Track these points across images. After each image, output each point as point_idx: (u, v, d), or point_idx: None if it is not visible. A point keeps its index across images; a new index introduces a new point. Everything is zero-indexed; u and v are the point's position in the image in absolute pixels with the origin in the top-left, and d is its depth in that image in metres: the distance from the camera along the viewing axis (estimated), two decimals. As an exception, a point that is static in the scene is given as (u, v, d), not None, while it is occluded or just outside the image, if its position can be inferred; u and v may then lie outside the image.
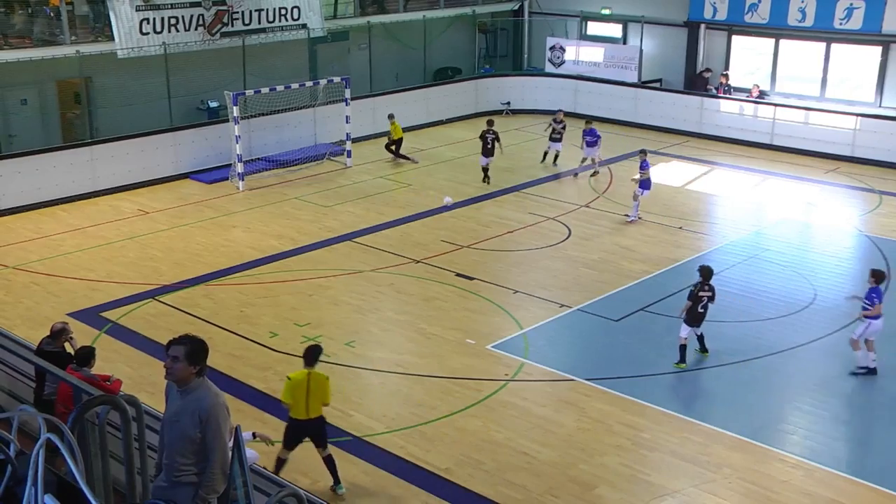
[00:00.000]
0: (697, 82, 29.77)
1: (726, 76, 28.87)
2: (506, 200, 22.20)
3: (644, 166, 20.46)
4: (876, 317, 13.47)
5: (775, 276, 17.73)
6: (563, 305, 16.14)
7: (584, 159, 23.82)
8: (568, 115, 30.28)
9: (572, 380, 13.59)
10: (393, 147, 25.35)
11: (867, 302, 13.55)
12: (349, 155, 25.05)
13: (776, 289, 17.08)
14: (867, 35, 26.64)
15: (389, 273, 17.62)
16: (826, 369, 14.05)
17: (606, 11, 32.25)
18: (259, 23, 25.38)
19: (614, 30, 32.64)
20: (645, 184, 20.51)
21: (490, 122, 23.86)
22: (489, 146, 23.17)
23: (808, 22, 27.32)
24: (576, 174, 23.99)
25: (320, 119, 25.81)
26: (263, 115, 24.52)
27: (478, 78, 31.80)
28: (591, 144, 23.46)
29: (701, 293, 13.85)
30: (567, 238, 19.51)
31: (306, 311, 15.92)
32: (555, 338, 15.17)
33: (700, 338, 14.24)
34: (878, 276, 13.69)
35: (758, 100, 28.13)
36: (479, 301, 16.38)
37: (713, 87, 29.46)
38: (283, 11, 25.83)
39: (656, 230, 20.01)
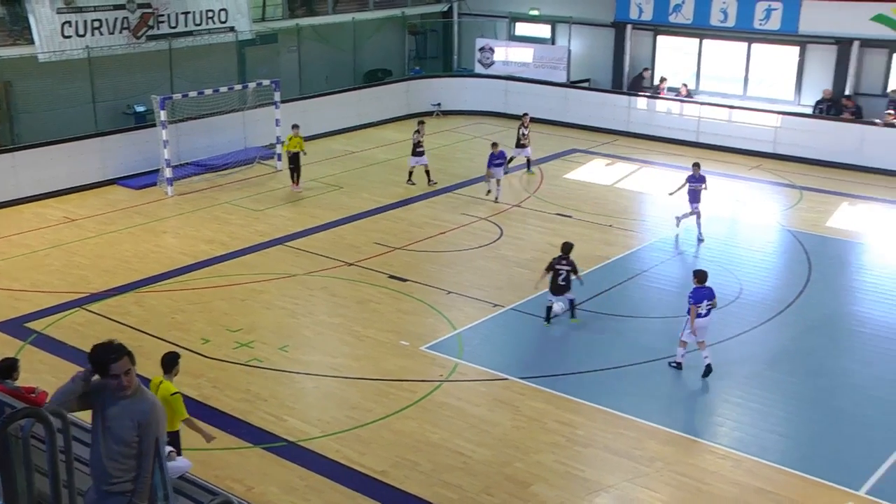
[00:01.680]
0: (636, 83, 30.20)
1: (664, 80, 29.24)
2: (438, 201, 22.26)
3: (692, 180, 19.53)
4: (698, 315, 13.53)
5: (703, 272, 18.05)
6: (496, 305, 16.25)
7: (491, 179, 22.08)
8: (499, 115, 30.67)
9: (506, 379, 13.69)
10: (291, 166, 22.87)
11: (689, 301, 13.59)
12: (280, 158, 24.87)
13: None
14: (785, 35, 27.35)
15: (322, 276, 17.54)
16: (753, 362, 14.38)
17: (535, 12, 32.55)
18: (186, 26, 25.06)
19: (543, 30, 32.96)
20: (693, 196, 19.50)
21: (420, 123, 23.86)
22: (420, 148, 23.18)
23: (730, 22, 27.94)
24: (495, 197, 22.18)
25: (250, 122, 25.56)
26: (192, 119, 24.21)
27: (408, 79, 31.82)
28: (498, 166, 21.94)
29: (558, 266, 15.22)
30: (499, 238, 19.65)
31: (239, 317, 15.77)
32: (488, 337, 15.27)
33: (571, 304, 15.50)
34: (699, 276, 13.78)
35: (684, 99, 28.66)
36: (413, 302, 16.40)
37: (647, 87, 29.94)
38: (210, 14, 25.55)
39: (587, 228, 20.26)
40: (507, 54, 31.77)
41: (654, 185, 23.92)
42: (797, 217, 21.46)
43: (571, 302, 15.52)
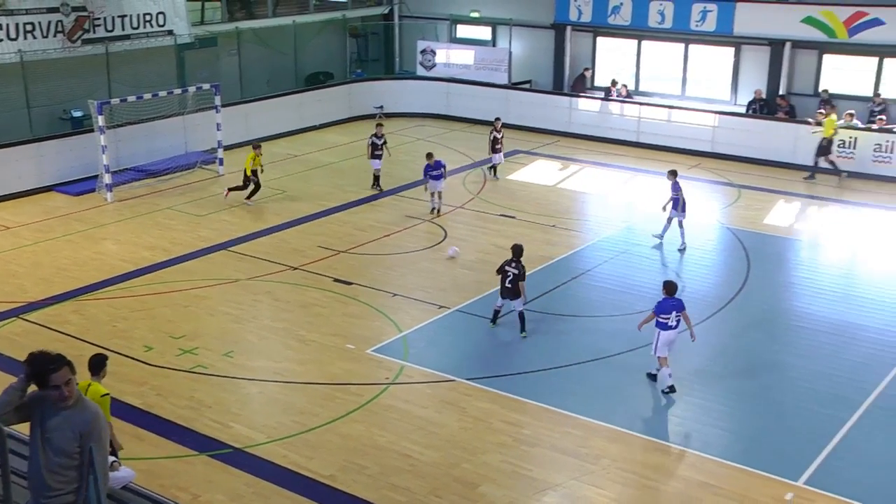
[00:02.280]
0: (578, 83, 30.49)
1: (616, 82, 29.47)
2: (382, 204, 22.24)
3: (675, 188, 19.35)
4: (664, 326, 13.20)
5: (646, 270, 18.34)
6: (441, 307, 16.28)
7: (431, 193, 21.34)
8: (440, 117, 30.74)
9: (453, 380, 13.73)
10: (248, 184, 21.97)
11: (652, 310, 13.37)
12: (221, 163, 24.62)
13: (647, 282, 17.64)
14: (721, 36, 27.86)
15: (266, 281, 17.42)
16: (695, 358, 14.59)
17: (475, 14, 32.70)
18: (123, 29, 24.70)
19: (484, 32, 33.12)
20: (676, 204, 19.31)
21: (379, 126, 23.66)
22: (379, 151, 23.02)
23: (667, 24, 28.38)
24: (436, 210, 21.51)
25: (190, 127, 25.27)
26: (131, 123, 23.84)
27: (350, 82, 31.74)
28: (435, 178, 21.06)
29: (507, 268, 15.02)
30: (443, 240, 19.69)
31: (182, 323, 15.58)
32: (434, 339, 15.30)
33: (520, 316, 15.15)
34: (667, 287, 13.42)
35: (624, 99, 29.01)
36: (358, 306, 16.36)
37: (588, 87, 30.25)
38: (147, 18, 25.21)
39: (531, 229, 20.39)
40: (449, 56, 31.86)
41: (595, 185, 24.19)
42: (736, 215, 21.86)
43: (521, 315, 15.07)
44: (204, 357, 14.35)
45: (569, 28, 30.68)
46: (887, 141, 24.33)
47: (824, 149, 24.37)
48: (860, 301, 17.04)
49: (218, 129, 24.43)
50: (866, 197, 22.99)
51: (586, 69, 30.64)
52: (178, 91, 24.58)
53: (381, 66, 34.78)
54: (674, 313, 13.23)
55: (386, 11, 34.24)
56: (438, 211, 21.27)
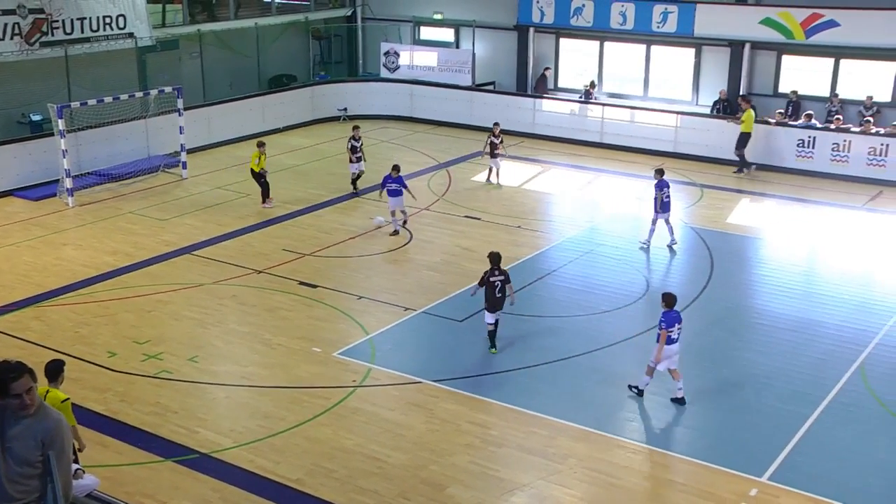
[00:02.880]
0: (539, 84, 30.64)
1: (592, 83, 29.60)
2: (347, 206, 22.20)
3: (660, 186, 19.16)
4: (669, 340, 12.88)
5: (610, 270, 18.48)
6: (407, 309, 16.29)
7: (392, 212, 20.07)
8: (404, 119, 30.74)
9: (420, 382, 13.74)
10: (262, 180, 22.00)
11: (659, 326, 12.97)
12: (184, 166, 24.44)
13: (612, 282, 17.79)
14: (682, 38, 28.14)
15: (231, 285, 17.32)
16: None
17: (438, 16, 32.74)
18: (82, 32, 24.42)
19: (447, 34, 33.18)
20: (664, 206, 19.18)
21: (356, 128, 23.47)
22: (358, 153, 22.88)
23: (629, 25, 28.62)
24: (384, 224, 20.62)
25: (153, 130, 25.06)
26: (92, 127, 23.60)
27: (313, 85, 31.63)
28: (394, 193, 19.73)
29: (492, 278, 14.37)
30: (409, 241, 19.69)
31: (146, 328, 15.45)
32: (400, 341, 15.30)
33: (495, 326, 14.66)
34: (667, 300, 13.08)
35: (587, 100, 29.19)
36: (324, 308, 16.32)
37: (549, 88, 30.40)
38: (107, 20, 24.95)
39: (496, 230, 20.45)
40: (412, 58, 31.88)
41: (560, 186, 24.31)
42: (699, 214, 22.07)
43: (496, 323, 14.64)
44: (169, 362, 14.25)
45: (532, 29, 30.82)
46: (844, 140, 24.70)
47: (742, 142, 25.04)
48: (820, 298, 17.29)
49: (180, 133, 24.25)
50: (825, 196, 23.32)
51: (546, 69, 30.80)
52: (139, 94, 24.37)
53: (344, 69, 34.71)
54: (677, 325, 12.93)
55: (349, 14, 34.18)
56: (396, 230, 19.99)
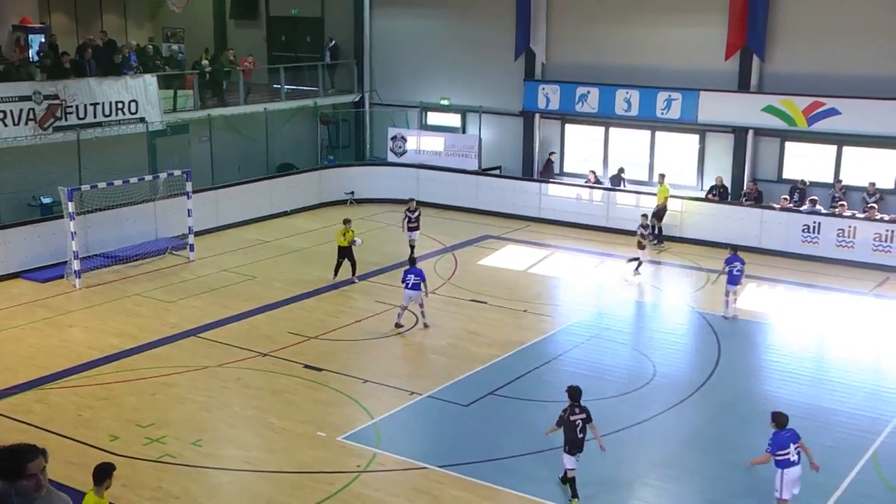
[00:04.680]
0: (546, 168, 30.94)
1: (622, 170, 29.97)
2: (353, 289, 22.20)
3: (729, 261, 20.43)
4: (787, 463, 11.90)
5: (617, 355, 18.37)
6: (413, 393, 16.15)
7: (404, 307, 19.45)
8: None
9: (425, 468, 13.54)
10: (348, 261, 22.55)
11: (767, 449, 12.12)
12: (192, 249, 24.56)
13: (618, 366, 17.68)
14: (686, 124, 28.47)
15: (236, 367, 17.22)
16: (669, 443, 14.55)
17: (445, 102, 33.24)
18: (94, 117, 24.81)
19: (453, 119, 33.63)
20: (732, 279, 20.30)
21: (411, 200, 25.11)
22: (413, 224, 24.18)
23: (634, 111, 28.97)
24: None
25: (161, 213, 25.26)
26: (101, 210, 23.79)
27: (321, 168, 31.97)
28: (411, 287, 19.20)
29: (573, 417, 12.60)
30: (415, 325, 19.63)
31: (149, 411, 15.31)
32: (406, 426, 15.14)
33: (567, 477, 12.84)
34: (777, 419, 12.16)
35: (593, 185, 29.43)
36: (329, 392, 16.20)
37: (556, 172, 30.70)
38: (119, 105, 25.36)
39: (502, 314, 20.40)
40: (419, 143, 32.27)
41: (566, 270, 24.33)
42: (705, 299, 22.01)
43: (571, 476, 12.78)
44: (171, 446, 14.08)
45: (537, 115, 31.24)
46: (850, 227, 24.78)
47: (658, 215, 26.45)
48: (830, 385, 17.12)
49: (189, 215, 24.44)
50: (831, 281, 23.28)
51: (552, 153, 31.14)
52: (149, 177, 24.63)
53: (351, 153, 35.12)
54: (792, 446, 11.90)
55: (357, 99, 34.73)
56: (425, 325, 19.36)
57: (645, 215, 24.35)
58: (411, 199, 25.76)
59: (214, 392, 16.15)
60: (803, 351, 19.08)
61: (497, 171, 31.96)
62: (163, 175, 24.63)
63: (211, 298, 21.33)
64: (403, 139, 32.36)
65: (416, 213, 25.11)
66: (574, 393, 12.81)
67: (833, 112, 25.91)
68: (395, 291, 21.75)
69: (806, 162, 27.61)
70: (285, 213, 29.78)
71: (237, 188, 28.47)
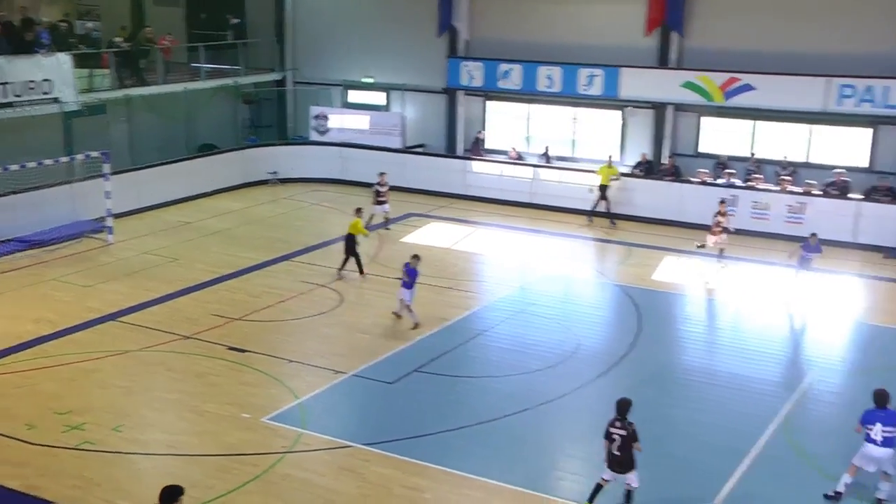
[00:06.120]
0: (474, 146, 31.05)
1: (515, 150, 30.12)
2: (276, 270, 22.05)
3: (807, 249, 20.54)
4: (868, 439, 11.99)
5: (541, 329, 18.61)
6: (338, 372, 16.15)
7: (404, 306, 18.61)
8: (336, 182, 30.84)
9: (351, 446, 13.57)
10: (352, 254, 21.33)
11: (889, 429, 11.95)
12: (111, 231, 24.07)
13: (543, 341, 17.91)
14: (608, 100, 28.82)
15: (159, 351, 16.99)
16: (591, 414, 14.78)
17: (369, 80, 33.07)
18: (6, 97, 24.03)
19: (378, 97, 33.47)
20: (804, 263, 20.55)
21: (382, 174, 25.56)
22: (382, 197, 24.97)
23: (556, 88, 29.21)
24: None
25: (79, 195, 24.66)
26: (14, 193, 23.14)
27: (243, 148, 31.56)
28: (406, 286, 18.39)
29: (611, 429, 11.90)
30: (340, 304, 19.60)
31: (69, 398, 15.02)
32: (332, 405, 15.14)
33: (628, 496, 12.13)
34: (877, 397, 12.16)
35: (518, 161, 29.65)
36: (254, 373, 16.10)
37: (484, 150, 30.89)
38: (31, 85, 24.62)
39: (427, 291, 20.42)
40: (343, 121, 32.08)
41: (491, 247, 24.51)
42: (626, 272, 22.42)
43: (629, 494, 12.09)
44: (92, 432, 13.85)
45: (461, 92, 31.29)
46: (764, 199, 25.45)
47: (601, 193, 26.77)
48: (745, 353, 17.61)
49: (107, 198, 23.92)
50: (746, 252, 23.87)
51: (479, 132, 31.24)
52: (64, 159, 24.02)
53: (274, 133, 34.74)
54: (879, 425, 11.89)
55: (279, 78, 34.33)
56: (416, 324, 18.31)
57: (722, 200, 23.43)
58: (382, 174, 25.74)
59: (137, 376, 15.92)
60: (719, 320, 19.60)
61: (421, 149, 31.98)
62: (79, 156, 24.04)
63: (131, 282, 20.97)
64: (325, 118, 32.14)
65: (386, 188, 25.31)
66: (621, 406, 12.02)
67: (748, 88, 26.51)
68: (319, 271, 21.71)
69: (723, 136, 28.22)
70: (274, 179, 29.78)
71: (157, 169, 27.94)
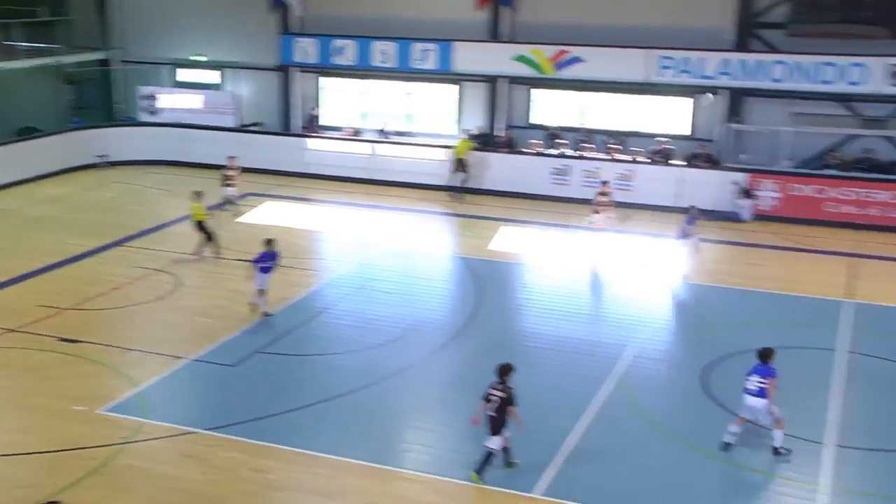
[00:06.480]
0: (310, 124, 30.73)
1: (352, 128, 30.00)
2: (109, 256, 21.27)
3: (690, 222, 20.89)
4: (745, 390, 12.94)
5: (382, 304, 18.72)
6: (178, 357, 15.78)
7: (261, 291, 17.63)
8: (170, 163, 29.98)
9: (195, 432, 13.31)
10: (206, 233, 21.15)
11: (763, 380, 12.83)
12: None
13: (385, 315, 18.03)
14: (443, 74, 29.11)
15: (-17, 347, 16.15)
16: (434, 386, 15.06)
17: (201, 58, 32.17)
18: None
19: (212, 76, 32.63)
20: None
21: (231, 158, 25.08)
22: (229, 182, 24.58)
23: (391, 63, 29.27)
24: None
25: None
26: None
27: (68, 131, 30.15)
28: (265, 270, 17.59)
29: (490, 392, 12.20)
30: (177, 289, 19.13)
31: None
32: (173, 392, 14.80)
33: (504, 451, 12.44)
34: (760, 354, 13.06)
35: (355, 137, 29.60)
36: (88, 364, 15.52)
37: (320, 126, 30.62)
38: None
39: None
40: (175, 101, 31.14)
41: (330, 224, 24.43)
42: (465, 244, 22.83)
43: (488, 456, 12.20)
44: (-88, 437, 13.06)
45: (295, 69, 30.90)
46: (597, 167, 26.39)
47: (458, 167, 27.21)
48: (579, 317, 18.32)
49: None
50: (578, 220, 24.68)
51: (313, 109, 30.99)
52: None
53: (100, 114, 33.31)
54: (756, 377, 12.84)
55: (103, 57, 32.91)
56: (266, 313, 17.60)
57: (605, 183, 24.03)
58: (232, 157, 25.31)
59: (-41, 375, 15.10)
60: (557, 287, 20.23)
61: (257, 128, 31.44)
62: None
63: (-51, 275, 19.79)
64: (153, 97, 31.12)
65: (235, 171, 25.00)
66: (501, 368, 12.36)
67: (577, 60, 27.33)
68: (153, 255, 21.10)
69: (555, 108, 29.04)
70: (103, 162, 28.73)
71: (-27, 155, 26.41)
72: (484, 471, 12.16)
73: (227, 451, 12.87)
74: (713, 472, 12.65)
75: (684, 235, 20.85)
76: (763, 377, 12.81)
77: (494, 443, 12.18)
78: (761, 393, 12.78)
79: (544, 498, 11.85)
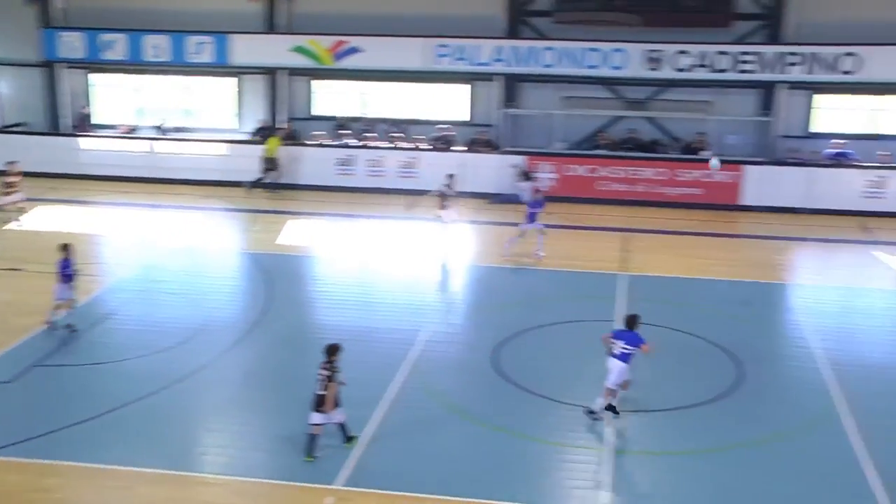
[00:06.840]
0: (82, 122, 29.24)
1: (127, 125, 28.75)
2: None
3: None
4: (611, 354, 13.51)
5: (169, 306, 18.21)
6: (-54, 379, 14.69)
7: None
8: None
9: (-36, 458, 12.45)
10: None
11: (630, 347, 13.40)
12: None
13: (172, 317, 17.54)
14: (220, 67, 28.49)
15: None
16: (227, 385, 14.78)
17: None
18: None
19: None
20: (536, 204, 21.01)
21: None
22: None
23: (165, 57, 28.36)
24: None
25: None
26: None
27: None
28: (67, 278, 16.66)
29: (319, 371, 12.59)
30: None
31: None
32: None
33: (341, 427, 12.89)
34: (627, 320, 13.71)
35: (131, 135, 28.47)
36: None
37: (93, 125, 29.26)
38: None
39: (42, 279, 18.99)
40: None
41: (108, 226, 23.44)
42: (251, 240, 22.55)
43: (342, 426, 12.79)
44: None
45: (61, 65, 29.31)
46: (381, 156, 26.74)
47: (269, 165, 27.10)
48: (372, 306, 18.52)
49: None
50: (367, 209, 24.92)
51: (83, 107, 29.57)
52: None
53: None
54: (621, 342, 13.41)
55: None
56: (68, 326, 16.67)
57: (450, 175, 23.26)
58: (11, 162, 23.81)
59: None
60: (347, 278, 20.36)
61: (21, 128, 29.62)
62: None
63: None
64: None
65: (16, 178, 23.56)
66: (329, 348, 12.74)
67: (356, 50, 27.50)
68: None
69: (336, 98, 29.10)
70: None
71: None
72: (313, 450, 12.44)
73: (6, 473, 12.12)
74: (504, 445, 13.12)
75: (532, 220, 21.23)
76: (629, 343, 13.46)
77: (338, 416, 12.66)
78: (623, 357, 13.44)
79: (345, 488, 11.90)
